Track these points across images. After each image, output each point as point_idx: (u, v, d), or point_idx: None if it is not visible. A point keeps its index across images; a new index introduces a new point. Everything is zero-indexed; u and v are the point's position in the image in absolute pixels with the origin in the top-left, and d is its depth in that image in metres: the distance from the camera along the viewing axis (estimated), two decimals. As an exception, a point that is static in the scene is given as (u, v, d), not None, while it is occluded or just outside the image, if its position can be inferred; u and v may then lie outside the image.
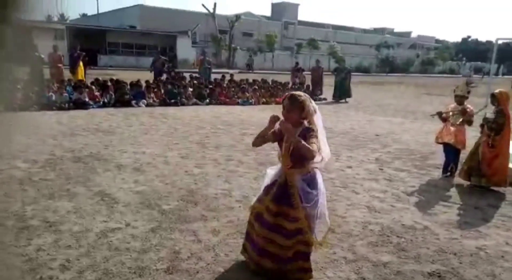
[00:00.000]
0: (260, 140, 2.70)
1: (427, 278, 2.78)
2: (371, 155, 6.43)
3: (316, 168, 2.62)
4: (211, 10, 40.15)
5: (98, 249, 2.96)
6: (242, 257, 2.86)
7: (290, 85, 15.21)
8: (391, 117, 11.16)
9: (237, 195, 4.26)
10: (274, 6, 57.37)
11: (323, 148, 2.58)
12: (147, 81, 12.22)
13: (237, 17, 42.08)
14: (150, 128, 8.00)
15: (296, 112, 2.50)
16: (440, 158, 5.73)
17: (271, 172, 2.75)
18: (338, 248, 3.15)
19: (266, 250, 2.58)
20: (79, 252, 2.90)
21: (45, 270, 2.64)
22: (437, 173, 5.42)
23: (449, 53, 64.98)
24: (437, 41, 75.66)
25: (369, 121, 10.32)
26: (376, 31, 69.28)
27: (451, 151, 5.18)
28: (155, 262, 2.82)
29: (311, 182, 2.56)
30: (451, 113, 5.19)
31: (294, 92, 2.61)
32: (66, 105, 9.88)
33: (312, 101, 2.59)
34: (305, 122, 2.55)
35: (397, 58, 55.95)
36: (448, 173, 5.22)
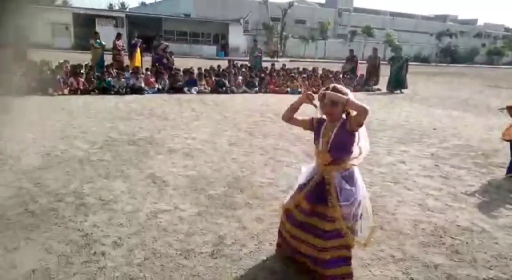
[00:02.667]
0: (289, 114, 2.56)
1: (483, 284, 2.59)
2: (427, 150, 6.08)
3: (355, 165, 2.48)
4: (264, -2, 39.92)
5: (147, 229, 3.09)
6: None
7: (341, 75, 14.74)
8: (451, 110, 10.46)
9: (282, 184, 4.23)
10: (328, -8, 55.72)
11: (362, 142, 2.45)
12: (199, 69, 12.47)
13: (290, 4, 41.48)
14: (201, 114, 8.18)
15: (340, 106, 2.35)
16: (504, 156, 5.29)
17: (307, 170, 2.63)
18: (386, 245, 3.03)
19: (299, 251, 2.51)
20: (130, 231, 3.04)
21: (99, 246, 2.81)
22: (501, 173, 5.00)
23: (520, 43, 59.43)
24: (507, 29, 69.31)
25: (426, 113, 9.76)
26: (438, 18, 64.93)
27: None
28: (201, 246, 2.88)
29: (350, 180, 2.42)
30: None
31: (336, 85, 2.46)
32: (123, 90, 10.37)
33: (352, 93, 2.43)
34: (344, 115, 2.42)
35: (460, 47, 52.25)
36: None
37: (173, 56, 14.01)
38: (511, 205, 3.99)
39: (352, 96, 2.41)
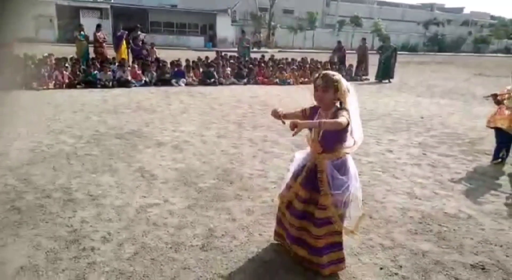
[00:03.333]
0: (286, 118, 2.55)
1: (470, 270, 2.65)
2: (414, 139, 6.15)
3: (348, 153, 2.49)
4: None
5: (137, 223, 3.07)
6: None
7: (329, 65, 14.74)
8: (438, 99, 10.58)
9: (272, 176, 4.24)
10: (316, -19, 55.40)
11: (355, 130, 2.45)
12: (187, 60, 12.33)
13: (278, -6, 41.10)
14: (189, 107, 8.12)
15: (331, 92, 2.37)
16: (489, 143, 5.38)
17: (300, 156, 2.65)
18: (374, 234, 3.06)
19: (300, 238, 2.53)
20: (119, 225, 3.02)
21: (88, 241, 2.78)
22: (486, 160, 5.10)
23: (506, 31, 60.03)
24: (493, 17, 69.90)
25: (413, 103, 9.85)
26: (424, 6, 65.17)
27: (504, 137, 4.83)
28: (191, 239, 2.88)
29: (342, 168, 2.43)
30: (507, 96, 4.82)
31: (327, 71, 2.48)
32: (110, 83, 10.22)
33: (345, 81, 2.44)
34: (337, 104, 2.42)
35: (447, 36, 52.59)
36: (499, 160, 4.90)
37: (154, 48, 13.66)
38: (497, 192, 4.08)
39: (348, 84, 2.44)
